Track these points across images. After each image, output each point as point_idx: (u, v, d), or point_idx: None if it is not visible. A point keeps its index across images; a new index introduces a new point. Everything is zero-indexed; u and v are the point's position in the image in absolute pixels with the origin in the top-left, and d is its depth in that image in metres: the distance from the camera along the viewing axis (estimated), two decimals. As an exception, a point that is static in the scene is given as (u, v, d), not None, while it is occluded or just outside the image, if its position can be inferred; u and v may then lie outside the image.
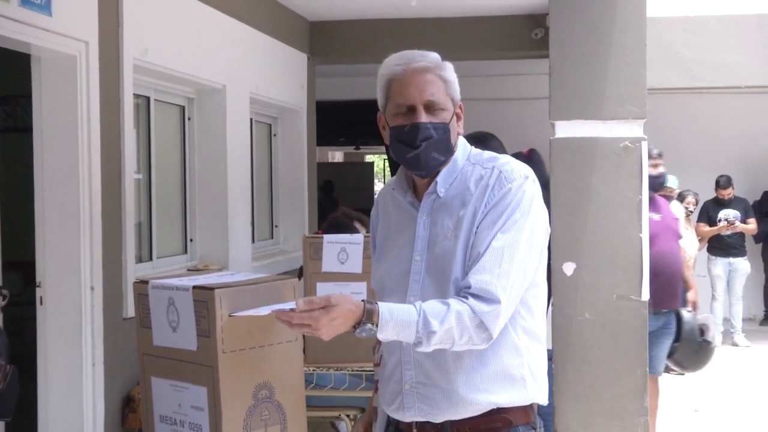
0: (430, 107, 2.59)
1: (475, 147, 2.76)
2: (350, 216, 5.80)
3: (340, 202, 14.82)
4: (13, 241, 5.34)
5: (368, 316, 2.39)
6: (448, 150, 2.63)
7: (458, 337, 2.45)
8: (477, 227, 2.54)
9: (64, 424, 5.10)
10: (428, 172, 2.64)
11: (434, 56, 2.65)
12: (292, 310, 2.34)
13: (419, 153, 2.59)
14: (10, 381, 2.36)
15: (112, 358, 5.28)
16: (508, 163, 2.62)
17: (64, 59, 5.02)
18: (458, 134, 2.68)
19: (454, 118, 2.64)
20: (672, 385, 8.90)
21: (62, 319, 5.07)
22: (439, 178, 2.64)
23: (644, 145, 4.90)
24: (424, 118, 2.58)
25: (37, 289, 5.08)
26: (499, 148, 3.77)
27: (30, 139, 5.14)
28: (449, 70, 2.65)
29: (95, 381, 5.16)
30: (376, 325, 2.40)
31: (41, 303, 5.08)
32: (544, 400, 2.70)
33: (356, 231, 5.48)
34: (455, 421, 2.60)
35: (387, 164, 23.12)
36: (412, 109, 2.59)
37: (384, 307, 2.42)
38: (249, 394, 2.50)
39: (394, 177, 2.79)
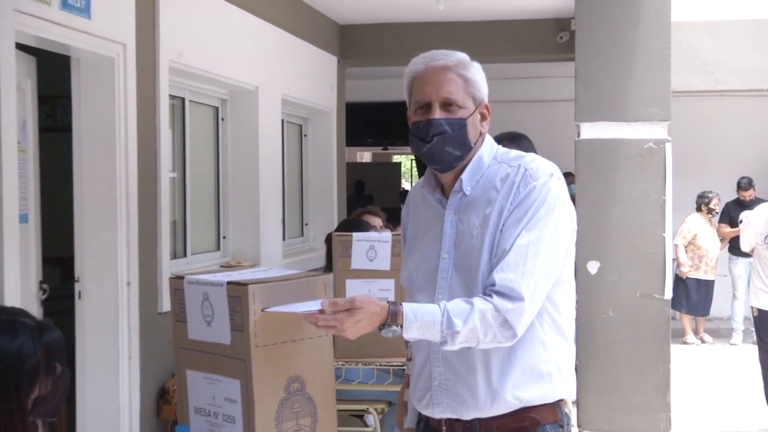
0: (447, 105, 2.58)
1: (508, 146, 2.74)
2: (359, 213, 5.85)
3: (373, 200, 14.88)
4: (52, 237, 5.37)
5: (393, 317, 2.39)
6: (464, 145, 2.60)
7: (482, 335, 2.44)
8: (503, 225, 2.52)
9: (101, 416, 5.13)
10: (444, 167, 2.63)
11: (459, 56, 2.64)
12: (321, 311, 2.35)
13: (431, 147, 2.58)
14: (58, 384, 2.37)
15: (148, 352, 5.30)
16: (533, 161, 2.60)
17: (103, 61, 5.05)
18: (482, 133, 2.66)
19: (477, 116, 2.63)
20: (692, 381, 8.85)
21: (100, 313, 5.10)
22: (464, 176, 2.63)
23: (668, 147, 4.88)
24: (438, 114, 2.57)
25: (76, 284, 5.12)
26: (530, 149, 3.78)
27: (69, 139, 5.17)
28: (473, 69, 2.63)
29: (131, 373, 5.19)
30: (401, 326, 2.39)
31: (80, 297, 5.11)
32: (571, 396, 2.68)
33: (369, 226, 5.53)
34: (483, 419, 2.58)
35: (414, 164, 23.09)
36: (428, 106, 2.59)
37: (408, 308, 2.41)
38: (281, 387, 2.50)
39: (424, 175, 2.78)
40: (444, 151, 2.59)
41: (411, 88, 2.65)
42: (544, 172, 2.56)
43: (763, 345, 7.24)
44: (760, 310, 7.24)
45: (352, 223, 5.66)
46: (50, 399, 2.32)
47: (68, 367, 2.43)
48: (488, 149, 2.67)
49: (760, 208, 7.53)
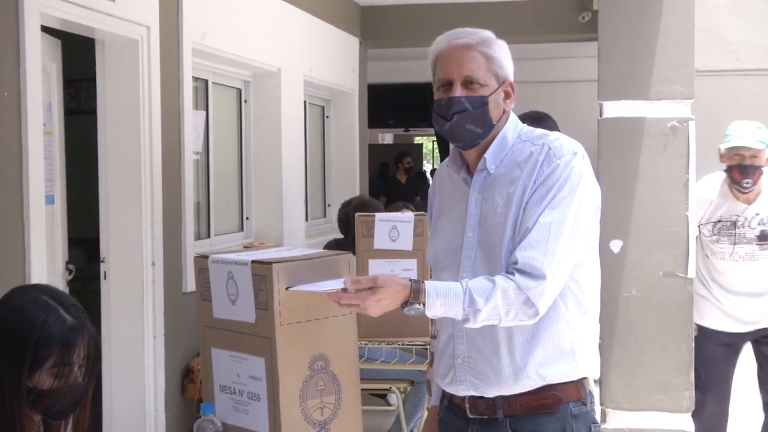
0: (468, 83, 2.57)
1: (531, 125, 2.73)
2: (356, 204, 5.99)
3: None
4: (77, 218, 5.39)
5: (415, 295, 2.39)
6: (485, 123, 2.59)
7: (504, 313, 2.43)
8: (526, 203, 2.51)
9: (127, 394, 5.16)
10: (466, 144, 2.62)
11: (482, 33, 2.62)
12: (343, 289, 2.35)
13: (452, 125, 2.58)
14: (65, 390, 2.30)
15: (172, 331, 5.32)
16: (557, 139, 2.59)
17: (127, 43, 5.05)
18: (505, 111, 2.64)
19: (500, 94, 2.61)
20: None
21: (125, 293, 5.12)
22: (487, 155, 2.61)
23: (692, 125, 4.84)
24: (459, 92, 2.56)
25: (101, 265, 5.14)
26: (554, 128, 3.76)
27: (93, 121, 5.19)
28: (497, 47, 2.62)
29: (156, 353, 5.21)
30: (424, 304, 2.39)
31: (105, 278, 5.13)
32: (594, 374, 2.67)
33: (379, 206, 5.62)
34: (506, 396, 2.58)
35: (435, 146, 23.04)
36: (450, 84, 2.58)
37: (431, 286, 2.41)
38: (305, 365, 2.50)
39: (450, 154, 2.77)
40: (465, 128, 2.58)
41: (435, 66, 2.64)
42: (567, 151, 2.54)
43: (701, 382, 5.00)
44: (699, 327, 5.03)
45: (365, 204, 5.74)
46: (51, 399, 2.25)
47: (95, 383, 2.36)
48: (512, 128, 2.66)
49: (707, 179, 5.00)
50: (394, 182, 13.65)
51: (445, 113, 2.59)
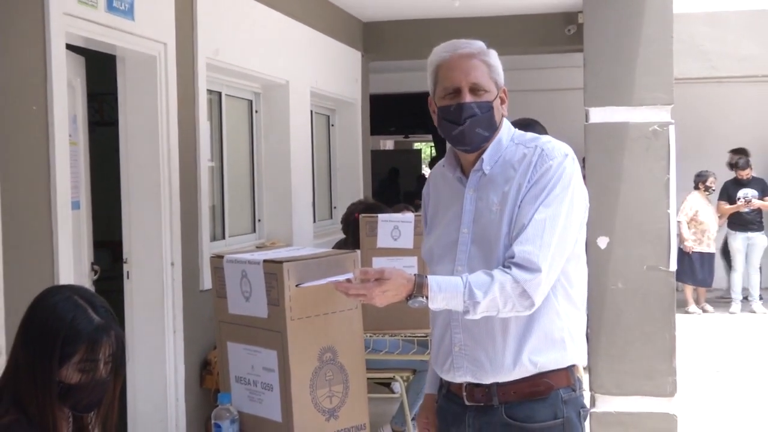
0: (475, 89, 2.56)
1: (521, 130, 2.72)
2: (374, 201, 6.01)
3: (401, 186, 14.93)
4: (102, 222, 5.39)
5: (419, 288, 2.39)
6: (491, 126, 2.59)
7: (502, 305, 2.42)
8: (521, 201, 2.51)
9: (149, 386, 5.16)
10: (473, 148, 2.61)
11: (479, 43, 2.63)
12: (348, 280, 2.35)
13: (464, 129, 2.56)
14: (92, 385, 2.28)
15: (191, 326, 5.32)
16: (549, 142, 2.59)
17: (146, 59, 5.05)
18: (502, 115, 2.64)
19: (498, 99, 2.61)
20: (694, 348, 8.80)
21: (146, 291, 5.11)
22: (485, 156, 2.61)
23: (671, 129, 4.83)
24: (468, 98, 2.55)
25: (124, 265, 5.13)
26: (542, 133, 3.76)
27: (115, 132, 5.18)
28: (493, 56, 2.62)
29: (176, 347, 5.20)
30: (427, 297, 2.39)
31: (128, 277, 5.13)
32: (583, 362, 2.66)
33: (383, 207, 5.65)
34: (501, 384, 2.57)
35: (432, 151, 23.03)
36: (457, 91, 2.57)
37: (433, 280, 2.41)
38: (315, 357, 2.50)
39: (445, 155, 2.76)
40: (475, 132, 2.57)
41: (436, 75, 2.62)
42: (559, 152, 2.54)
43: None
44: None
45: (370, 206, 5.74)
46: (78, 393, 2.23)
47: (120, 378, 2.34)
48: (506, 131, 2.66)
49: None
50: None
51: (456, 119, 2.56)
